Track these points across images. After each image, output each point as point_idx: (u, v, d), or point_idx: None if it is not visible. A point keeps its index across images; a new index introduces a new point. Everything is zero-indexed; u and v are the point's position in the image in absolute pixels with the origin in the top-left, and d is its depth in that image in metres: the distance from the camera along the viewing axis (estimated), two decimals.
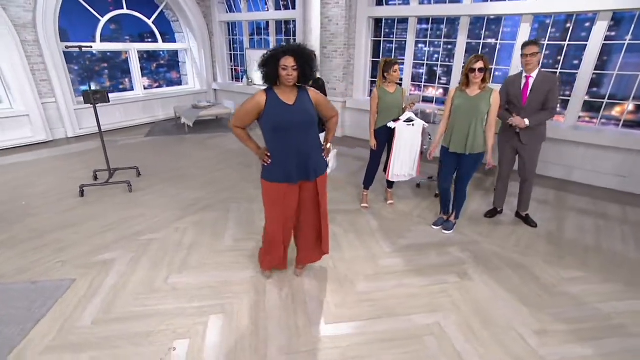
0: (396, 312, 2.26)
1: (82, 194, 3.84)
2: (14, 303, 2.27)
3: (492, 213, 3.52)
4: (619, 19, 4.09)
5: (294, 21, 6.62)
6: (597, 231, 3.29)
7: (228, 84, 8.30)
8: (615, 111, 4.45)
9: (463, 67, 2.77)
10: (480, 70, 2.64)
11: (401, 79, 5.71)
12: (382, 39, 6.01)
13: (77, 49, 3.70)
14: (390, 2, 5.74)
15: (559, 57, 4.45)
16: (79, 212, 3.51)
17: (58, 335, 2.03)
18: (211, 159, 5.16)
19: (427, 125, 3.44)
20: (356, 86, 6.29)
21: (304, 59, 1.88)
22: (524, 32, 4.50)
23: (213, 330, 2.09)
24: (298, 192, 2.19)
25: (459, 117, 2.84)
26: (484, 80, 2.71)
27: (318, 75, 3.69)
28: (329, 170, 3.34)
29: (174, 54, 8.52)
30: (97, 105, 3.85)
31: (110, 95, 6.36)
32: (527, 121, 2.95)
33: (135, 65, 7.07)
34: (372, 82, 6.21)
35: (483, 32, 5.03)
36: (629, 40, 3.97)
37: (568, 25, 4.48)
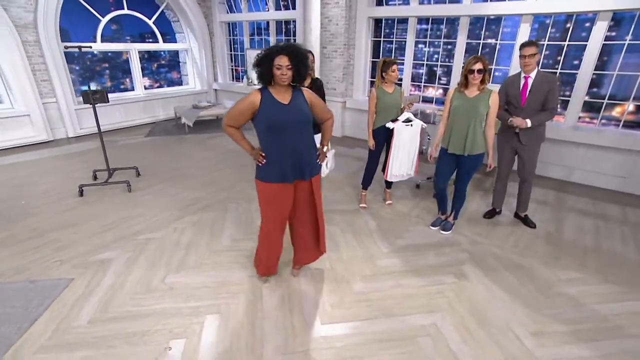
0: (393, 312, 2.25)
1: (81, 193, 3.85)
2: (12, 302, 2.28)
3: (491, 213, 3.51)
4: (619, 19, 4.07)
5: (294, 21, 6.63)
6: (596, 232, 3.28)
7: (228, 84, 8.32)
8: (616, 111, 4.43)
9: (463, 67, 2.76)
10: (479, 71, 2.62)
11: (400, 79, 5.70)
12: (382, 39, 6.01)
13: (76, 49, 3.71)
14: (390, 2, 5.74)
15: (559, 57, 4.43)
16: (78, 211, 3.52)
17: (54, 334, 2.04)
18: (211, 159, 5.16)
19: (425, 125, 3.44)
20: (356, 86, 6.29)
21: (299, 58, 1.88)
22: (524, 32, 4.49)
23: (209, 330, 2.09)
24: (293, 191, 2.18)
25: (458, 118, 2.82)
26: (483, 82, 2.69)
27: (317, 76, 3.70)
28: (327, 171, 3.36)
29: (175, 54, 8.54)
30: (96, 105, 3.86)
31: (111, 95, 6.39)
32: (529, 122, 2.94)
33: (135, 66, 7.09)
34: (372, 82, 6.20)
35: (483, 32, 5.02)
36: (629, 40, 3.95)
37: (568, 25, 4.47)
